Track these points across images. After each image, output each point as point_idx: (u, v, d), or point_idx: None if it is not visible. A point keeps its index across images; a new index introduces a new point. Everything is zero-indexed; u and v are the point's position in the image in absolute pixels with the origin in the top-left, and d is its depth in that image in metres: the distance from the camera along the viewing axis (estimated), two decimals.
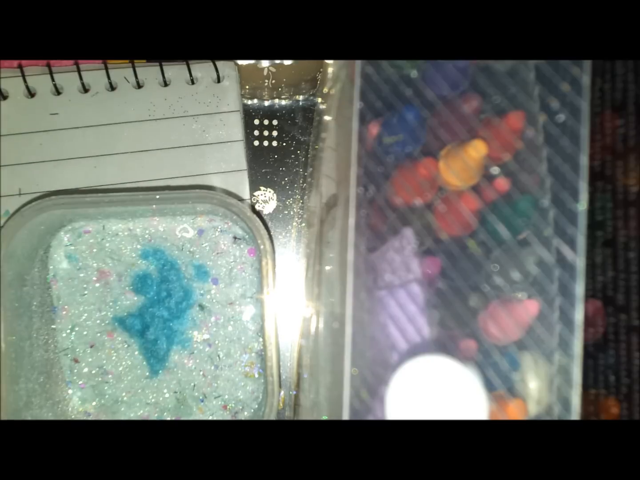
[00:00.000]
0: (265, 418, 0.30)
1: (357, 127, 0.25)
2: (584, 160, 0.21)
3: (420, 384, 0.22)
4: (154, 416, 0.34)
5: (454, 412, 0.21)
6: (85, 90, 0.34)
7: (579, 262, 0.21)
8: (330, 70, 0.31)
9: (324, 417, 0.28)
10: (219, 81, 0.35)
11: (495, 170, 0.23)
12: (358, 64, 0.25)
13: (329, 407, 0.28)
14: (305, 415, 0.31)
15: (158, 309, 0.34)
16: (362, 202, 0.24)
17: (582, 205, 0.21)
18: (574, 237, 0.21)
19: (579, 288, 0.21)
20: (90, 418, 0.34)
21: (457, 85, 0.24)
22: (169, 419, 0.34)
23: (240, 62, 0.35)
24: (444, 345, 0.23)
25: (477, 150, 0.22)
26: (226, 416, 0.34)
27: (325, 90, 0.32)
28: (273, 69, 0.36)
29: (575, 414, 0.21)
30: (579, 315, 0.21)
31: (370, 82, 0.25)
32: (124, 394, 0.34)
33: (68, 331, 0.34)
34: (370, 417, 0.23)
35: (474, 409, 0.21)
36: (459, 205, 0.23)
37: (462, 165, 0.23)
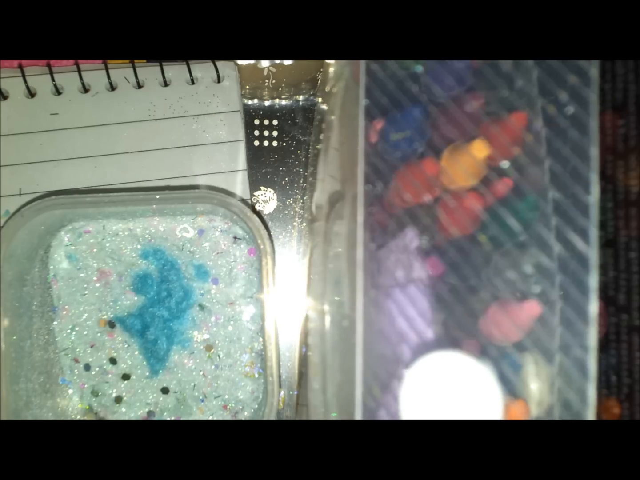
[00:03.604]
0: (265, 418, 0.30)
1: (364, 123, 0.25)
2: (594, 152, 0.21)
3: (433, 380, 0.21)
4: (154, 416, 0.34)
5: (469, 409, 0.21)
6: (86, 90, 0.34)
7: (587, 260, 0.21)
8: (332, 68, 0.31)
9: (334, 415, 0.28)
10: (219, 81, 0.35)
11: (498, 169, 0.23)
12: (363, 61, 0.25)
13: (339, 405, 0.28)
14: (314, 413, 0.30)
15: (158, 309, 0.34)
16: (370, 199, 0.24)
17: (591, 201, 0.21)
18: (582, 234, 0.21)
19: (593, 283, 0.21)
20: (90, 418, 0.34)
21: (463, 82, 0.24)
22: (168, 419, 0.34)
23: (240, 62, 0.35)
24: (445, 345, 0.23)
25: (480, 149, 0.22)
26: (226, 416, 0.34)
27: (327, 88, 0.32)
28: (273, 69, 0.36)
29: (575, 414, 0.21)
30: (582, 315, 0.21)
31: (375, 79, 0.25)
32: (124, 394, 0.34)
33: (68, 331, 0.34)
34: (383, 414, 0.23)
35: (489, 405, 0.21)
36: (463, 204, 0.23)
37: (465, 164, 0.23)
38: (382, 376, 0.23)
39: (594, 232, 0.20)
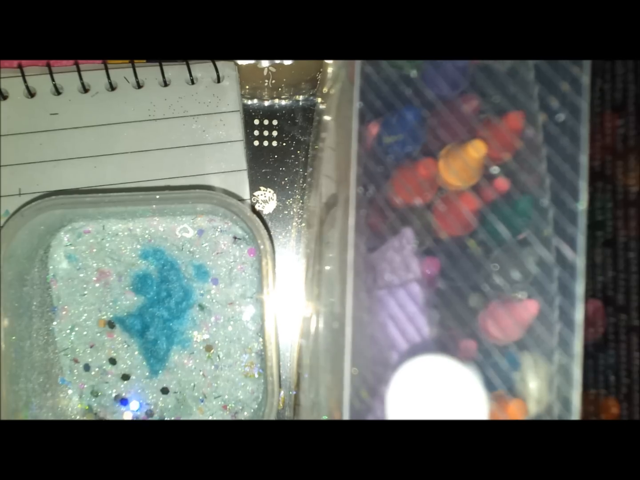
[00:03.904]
0: (265, 418, 0.30)
1: (357, 126, 0.25)
2: (583, 159, 0.21)
3: (420, 383, 0.22)
4: (154, 416, 0.34)
5: (454, 412, 0.21)
6: (85, 90, 0.34)
7: (579, 261, 0.21)
8: (330, 70, 0.31)
9: (324, 417, 0.28)
10: (219, 81, 0.35)
11: (495, 170, 0.23)
12: (358, 63, 0.25)
13: (329, 407, 0.28)
14: (305, 415, 0.31)
15: (158, 309, 0.34)
16: (362, 202, 0.24)
17: (582, 205, 0.21)
18: (574, 236, 0.21)
19: (579, 288, 0.21)
20: (89, 418, 0.34)
21: (457, 85, 0.24)
22: (168, 419, 0.34)
23: (240, 62, 0.35)
24: (444, 345, 0.23)
25: (476, 150, 0.22)
26: (226, 416, 0.34)
27: (325, 90, 0.32)
28: (273, 69, 0.36)
29: (575, 414, 0.21)
30: (579, 315, 0.21)
31: (370, 81, 0.25)
32: (124, 394, 0.34)
33: (68, 331, 0.34)
34: (370, 417, 0.23)
35: (474, 409, 0.21)
36: (459, 205, 0.23)
37: (462, 165, 0.23)
38: (370, 379, 0.23)
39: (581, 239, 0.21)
